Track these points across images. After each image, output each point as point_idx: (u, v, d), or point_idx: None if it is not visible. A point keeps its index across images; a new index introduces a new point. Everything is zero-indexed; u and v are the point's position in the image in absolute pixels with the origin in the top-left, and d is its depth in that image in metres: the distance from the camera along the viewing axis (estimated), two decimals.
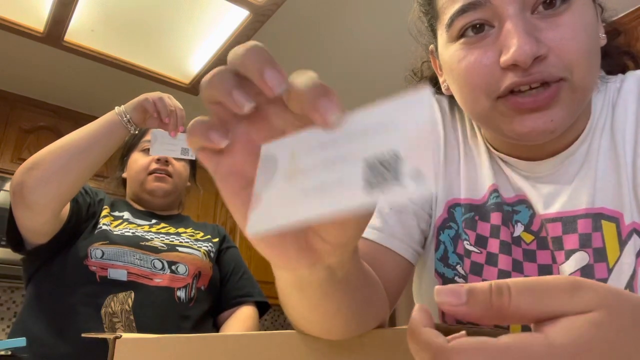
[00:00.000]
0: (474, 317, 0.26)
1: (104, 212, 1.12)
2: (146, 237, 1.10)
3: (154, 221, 1.18)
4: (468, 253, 0.55)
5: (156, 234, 1.13)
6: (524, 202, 0.54)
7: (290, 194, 0.24)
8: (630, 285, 0.46)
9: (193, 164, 1.31)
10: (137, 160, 1.21)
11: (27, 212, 0.93)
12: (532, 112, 0.44)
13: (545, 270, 0.50)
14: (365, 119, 0.23)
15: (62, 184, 0.92)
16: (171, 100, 1.04)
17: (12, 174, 2.91)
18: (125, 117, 0.99)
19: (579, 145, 0.51)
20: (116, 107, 1.01)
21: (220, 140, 0.27)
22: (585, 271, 0.48)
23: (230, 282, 1.21)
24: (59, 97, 2.71)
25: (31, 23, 2.14)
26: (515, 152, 0.53)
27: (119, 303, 0.98)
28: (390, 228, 0.54)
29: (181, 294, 1.05)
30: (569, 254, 0.49)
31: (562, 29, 0.43)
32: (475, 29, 0.46)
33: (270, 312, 3.70)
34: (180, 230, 1.19)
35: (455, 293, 0.26)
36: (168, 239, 1.12)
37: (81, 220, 1.05)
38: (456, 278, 0.55)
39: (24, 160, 3.05)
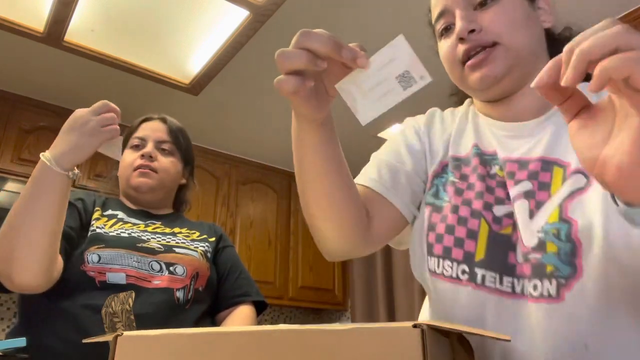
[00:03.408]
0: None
1: (96, 215, 1.10)
2: (142, 237, 1.09)
3: (148, 221, 1.17)
4: (453, 184, 0.72)
5: (152, 234, 1.12)
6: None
7: (371, 101, 0.50)
8: (561, 205, 0.60)
9: (188, 161, 1.30)
10: (126, 157, 1.19)
11: (21, 290, 0.93)
12: (476, 68, 0.68)
13: (507, 192, 0.66)
14: (379, 61, 0.50)
15: (40, 256, 0.90)
16: (108, 107, 0.95)
17: (12, 174, 2.88)
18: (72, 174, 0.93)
19: (550, 115, 0.68)
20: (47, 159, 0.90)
21: (321, 65, 0.50)
22: (528, 195, 0.64)
23: (227, 282, 1.20)
24: (59, 97, 2.71)
25: (31, 23, 2.14)
26: (501, 117, 0.73)
27: (120, 303, 0.97)
28: (383, 180, 0.74)
29: (180, 294, 1.05)
30: (517, 183, 0.66)
31: (490, 14, 0.67)
32: (446, 30, 0.72)
33: (269, 312, 3.70)
34: (176, 230, 1.19)
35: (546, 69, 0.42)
36: (165, 240, 1.12)
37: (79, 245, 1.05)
38: (443, 204, 0.71)
39: (24, 160, 3.01)
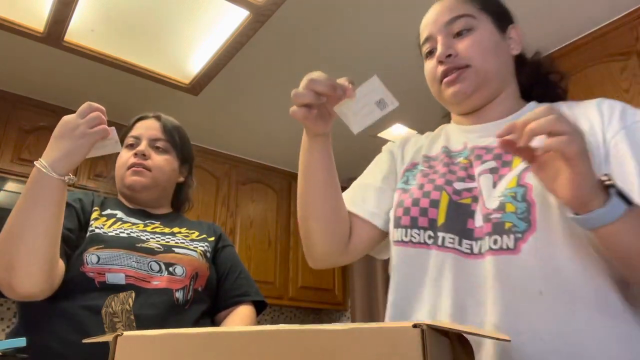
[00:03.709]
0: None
1: (94, 215, 1.10)
2: (142, 237, 1.08)
3: (147, 220, 1.17)
4: (421, 171, 0.84)
5: (151, 234, 1.11)
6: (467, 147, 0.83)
7: (359, 118, 0.70)
8: (519, 175, 0.71)
9: (186, 159, 1.30)
10: (121, 157, 1.19)
11: (23, 298, 0.93)
12: (450, 85, 0.81)
13: (468, 173, 0.78)
14: (362, 92, 0.70)
15: (41, 263, 0.90)
16: (92, 107, 0.94)
17: (12, 174, 2.88)
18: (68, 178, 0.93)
19: (514, 116, 0.82)
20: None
21: (321, 100, 0.70)
22: (493, 170, 0.75)
23: (227, 282, 1.20)
24: (59, 97, 2.71)
25: (31, 23, 2.14)
26: (472, 122, 0.86)
27: (120, 303, 0.97)
28: (354, 197, 0.88)
29: (179, 295, 1.05)
30: (483, 162, 0.78)
31: (465, 42, 0.81)
32: (430, 53, 0.86)
33: (269, 312, 3.70)
34: (175, 229, 1.18)
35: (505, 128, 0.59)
36: (164, 240, 1.11)
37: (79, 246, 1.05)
38: (411, 187, 0.82)
39: (24, 160, 3.01)
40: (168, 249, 1.09)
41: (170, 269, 1.06)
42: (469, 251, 0.70)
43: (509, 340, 0.35)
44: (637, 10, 2.02)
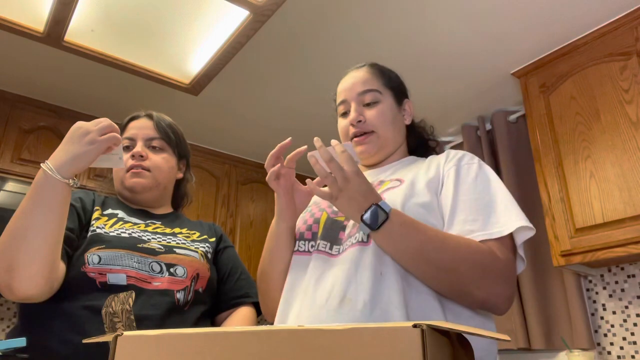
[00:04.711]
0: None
1: (95, 215, 1.09)
2: (143, 238, 1.08)
3: (148, 220, 1.17)
4: (314, 203, 1.06)
5: (153, 234, 1.11)
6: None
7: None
8: (381, 193, 0.92)
9: (182, 155, 1.28)
10: None
11: (21, 299, 0.93)
12: (359, 145, 1.04)
13: None
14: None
15: (42, 266, 0.90)
16: (108, 120, 0.97)
17: (12, 174, 2.87)
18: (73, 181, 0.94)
19: (396, 163, 1.07)
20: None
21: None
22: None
23: (228, 283, 1.20)
24: (59, 97, 2.70)
25: (31, 23, 2.14)
26: (368, 169, 1.09)
27: (120, 303, 0.97)
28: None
29: (180, 296, 1.05)
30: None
31: (372, 112, 1.03)
32: (344, 114, 1.07)
33: None
34: (176, 230, 1.18)
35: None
36: (165, 240, 1.11)
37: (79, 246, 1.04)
38: (305, 214, 1.02)
39: (24, 160, 2.99)
40: (169, 249, 1.09)
41: (172, 269, 1.06)
42: (337, 253, 0.90)
43: (509, 340, 0.35)
44: (637, 10, 2.02)
